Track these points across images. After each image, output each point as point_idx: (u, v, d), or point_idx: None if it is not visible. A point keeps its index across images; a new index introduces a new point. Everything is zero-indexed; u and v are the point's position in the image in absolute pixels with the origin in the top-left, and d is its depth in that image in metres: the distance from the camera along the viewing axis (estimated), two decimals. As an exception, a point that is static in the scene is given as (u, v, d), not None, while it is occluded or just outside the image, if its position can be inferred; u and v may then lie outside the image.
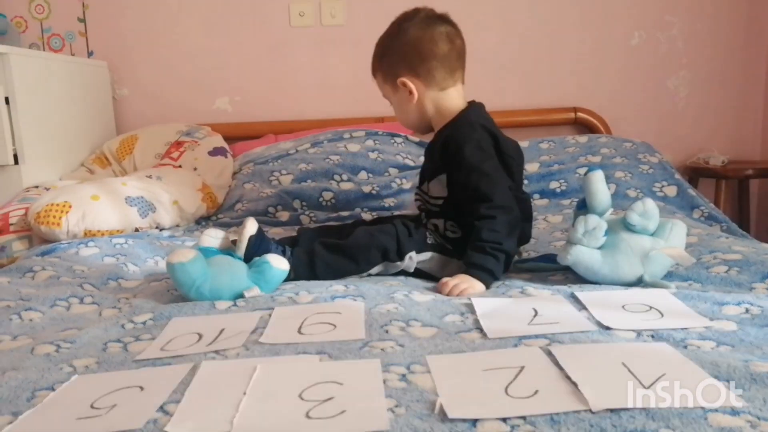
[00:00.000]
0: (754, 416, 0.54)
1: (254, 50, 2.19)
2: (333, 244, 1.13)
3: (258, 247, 1.06)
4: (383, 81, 1.23)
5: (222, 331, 0.82)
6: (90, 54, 2.19)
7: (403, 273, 1.14)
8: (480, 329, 0.79)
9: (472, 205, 1.09)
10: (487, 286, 1.02)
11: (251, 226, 1.07)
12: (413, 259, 1.13)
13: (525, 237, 1.22)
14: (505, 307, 0.88)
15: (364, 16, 2.17)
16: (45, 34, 2.17)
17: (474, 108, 1.20)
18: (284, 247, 1.12)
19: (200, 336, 0.81)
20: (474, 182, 1.09)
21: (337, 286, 1.01)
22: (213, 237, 1.08)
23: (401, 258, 1.12)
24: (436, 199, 1.19)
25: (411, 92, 1.18)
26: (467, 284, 1.00)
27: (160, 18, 2.18)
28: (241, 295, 0.97)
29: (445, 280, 1.02)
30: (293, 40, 2.18)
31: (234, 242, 1.08)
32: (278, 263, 1.00)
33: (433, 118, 1.20)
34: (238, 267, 1.01)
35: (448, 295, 0.98)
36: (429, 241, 1.16)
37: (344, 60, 2.20)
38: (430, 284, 1.08)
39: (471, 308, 0.88)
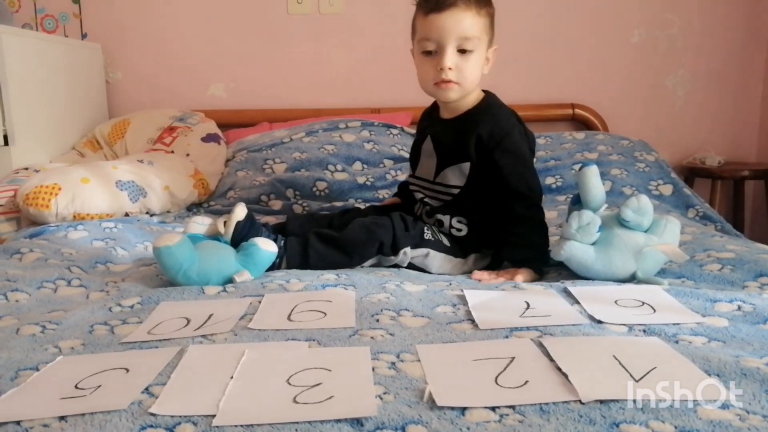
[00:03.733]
0: (743, 410, 0.54)
1: (251, 37, 2.17)
2: (328, 236, 1.10)
3: (246, 232, 1.04)
4: (484, 29, 1.09)
5: (210, 316, 0.82)
6: (84, 36, 2.16)
7: (396, 265, 1.13)
8: (471, 320, 0.79)
9: (509, 199, 1.09)
10: (539, 274, 1.07)
11: (240, 212, 1.06)
12: (407, 254, 1.11)
13: None
14: (498, 299, 0.88)
15: (363, 4, 2.15)
16: (38, 14, 2.14)
17: (497, 97, 1.17)
18: (276, 235, 1.11)
19: (188, 320, 0.80)
20: (518, 174, 1.09)
21: (328, 274, 1.00)
22: (200, 224, 1.07)
23: (395, 253, 1.10)
24: (450, 188, 1.15)
25: (488, 63, 1.13)
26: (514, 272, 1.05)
27: (156, 1, 2.15)
28: (230, 280, 0.96)
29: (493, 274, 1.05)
30: (291, 27, 2.16)
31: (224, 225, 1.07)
32: (266, 245, 0.99)
33: (466, 96, 1.14)
34: (225, 251, 1.00)
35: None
36: (426, 237, 1.13)
37: (342, 49, 2.18)
38: (425, 275, 1.07)
39: (463, 300, 0.87)
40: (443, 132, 1.18)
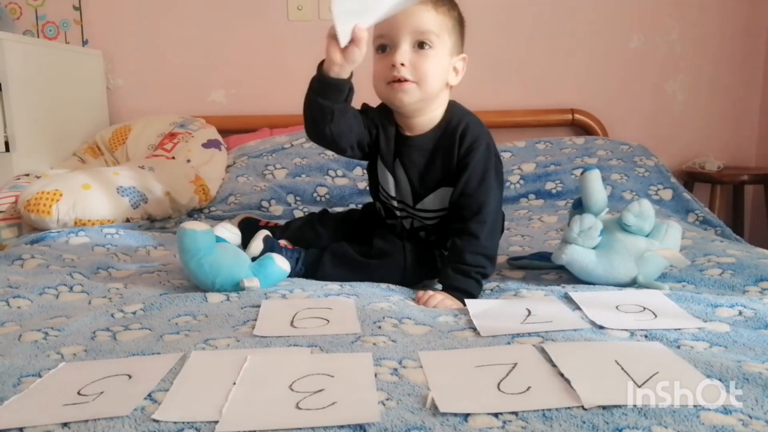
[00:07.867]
0: (746, 415, 0.54)
1: (251, 43, 2.18)
2: (342, 263, 1.07)
3: (269, 249, 1.05)
4: (444, 27, 0.98)
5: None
6: (85, 43, 2.16)
7: None
8: (473, 329, 0.79)
9: (459, 213, 1.01)
10: (464, 304, 0.93)
11: (264, 233, 1.08)
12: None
13: None
14: (499, 307, 0.88)
15: (363, 12, 2.15)
16: (39, 21, 2.15)
17: (459, 104, 1.07)
18: (300, 253, 1.09)
19: (190, 326, 0.80)
20: (475, 192, 1.00)
21: (332, 285, 1.00)
22: (228, 230, 1.07)
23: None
24: (436, 212, 1.07)
25: (457, 74, 1.04)
26: (442, 296, 0.94)
27: (156, 8, 2.16)
28: (237, 284, 0.96)
29: (421, 293, 0.96)
30: (291, 33, 2.17)
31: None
32: (281, 262, 1.00)
33: (427, 112, 1.03)
34: (242, 257, 1.01)
35: (423, 305, 0.93)
36: (439, 266, 1.07)
37: (342, 55, 2.18)
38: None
39: (464, 309, 0.88)
40: (413, 155, 1.05)
